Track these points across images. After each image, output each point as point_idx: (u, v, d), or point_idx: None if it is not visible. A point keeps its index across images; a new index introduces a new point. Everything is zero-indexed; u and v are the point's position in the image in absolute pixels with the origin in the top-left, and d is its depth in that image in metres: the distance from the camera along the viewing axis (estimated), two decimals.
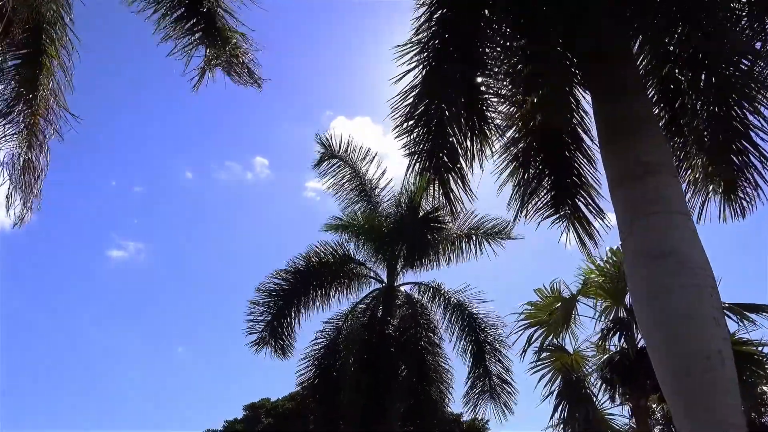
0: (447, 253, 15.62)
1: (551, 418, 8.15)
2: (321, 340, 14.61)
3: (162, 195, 47.99)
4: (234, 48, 8.92)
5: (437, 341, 14.41)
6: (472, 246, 15.46)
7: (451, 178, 8.65)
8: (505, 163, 8.61)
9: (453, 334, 14.59)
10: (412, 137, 8.67)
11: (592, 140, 8.16)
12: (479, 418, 26.88)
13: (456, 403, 14.56)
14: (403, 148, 8.58)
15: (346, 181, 15.34)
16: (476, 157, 7.48)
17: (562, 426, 7.93)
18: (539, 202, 8.27)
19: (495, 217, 15.21)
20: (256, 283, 14.83)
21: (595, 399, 8.05)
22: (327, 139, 15.04)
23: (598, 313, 9.00)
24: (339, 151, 15.08)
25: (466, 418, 26.35)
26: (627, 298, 8.61)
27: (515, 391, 14.19)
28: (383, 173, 15.28)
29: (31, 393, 39.55)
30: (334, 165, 15.28)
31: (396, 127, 8.52)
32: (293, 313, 14.55)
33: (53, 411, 39.50)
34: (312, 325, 14.94)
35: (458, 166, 8.59)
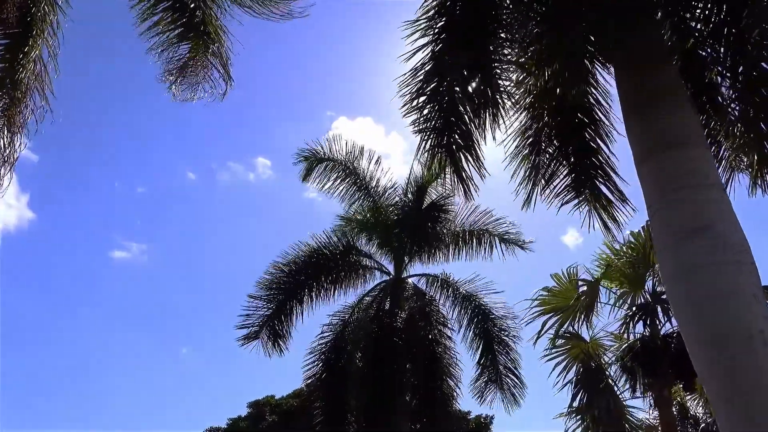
0: (455, 247, 15.26)
1: (569, 406, 7.81)
2: (327, 334, 14.27)
3: (165, 196, 47.80)
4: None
5: (447, 333, 14.08)
6: (483, 249, 15.10)
7: (463, 156, 8.34)
8: (520, 147, 8.33)
9: (461, 325, 14.30)
10: (422, 114, 8.36)
11: (610, 122, 7.88)
12: (484, 415, 26.71)
13: (464, 399, 14.22)
14: (412, 125, 8.30)
15: (341, 181, 14.96)
16: (490, 129, 7.16)
17: (580, 415, 7.57)
18: (558, 187, 7.97)
19: (505, 220, 14.94)
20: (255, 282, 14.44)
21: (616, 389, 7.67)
22: (309, 148, 14.61)
23: (617, 300, 8.63)
24: (325, 153, 14.70)
25: (474, 414, 26.14)
26: (648, 284, 8.26)
27: (523, 385, 13.93)
28: (378, 163, 14.94)
29: (35, 394, 39.40)
30: (324, 169, 14.89)
31: (405, 104, 8.21)
32: (294, 308, 14.20)
33: (58, 412, 39.34)
34: (318, 319, 14.62)
35: (471, 143, 8.28)
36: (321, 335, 14.24)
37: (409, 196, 14.92)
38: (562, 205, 7.94)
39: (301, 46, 45.14)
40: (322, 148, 14.61)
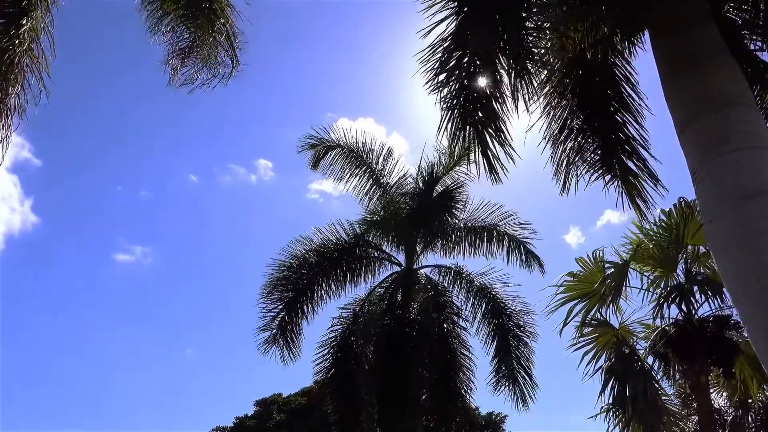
0: (467, 241, 14.78)
1: (600, 395, 7.36)
2: (337, 327, 13.83)
3: (168, 199, 47.69)
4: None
5: (462, 324, 13.63)
6: (494, 246, 14.64)
7: (489, 134, 7.94)
8: (547, 125, 7.94)
9: (475, 318, 13.85)
10: (444, 93, 7.97)
11: (639, 97, 7.51)
12: (496, 413, 26.27)
13: (476, 395, 13.74)
14: (437, 104, 7.91)
15: (351, 170, 14.51)
16: (517, 98, 6.75)
17: (614, 405, 7.12)
18: (585, 164, 7.56)
19: (519, 219, 14.59)
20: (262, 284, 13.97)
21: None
22: (315, 136, 14.15)
23: (650, 285, 8.18)
24: (334, 141, 14.26)
25: (484, 411, 25.68)
26: (680, 267, 7.82)
27: (535, 385, 13.51)
28: (389, 153, 14.51)
29: (41, 396, 39.21)
30: (333, 157, 14.46)
31: (428, 82, 7.83)
32: (305, 306, 13.72)
33: (63, 414, 39.13)
34: (328, 312, 14.18)
35: (497, 120, 7.88)
36: (331, 328, 13.83)
37: (421, 185, 14.48)
38: (589, 183, 7.55)
39: (302, 47, 44.89)
40: (330, 134, 14.19)
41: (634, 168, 7.28)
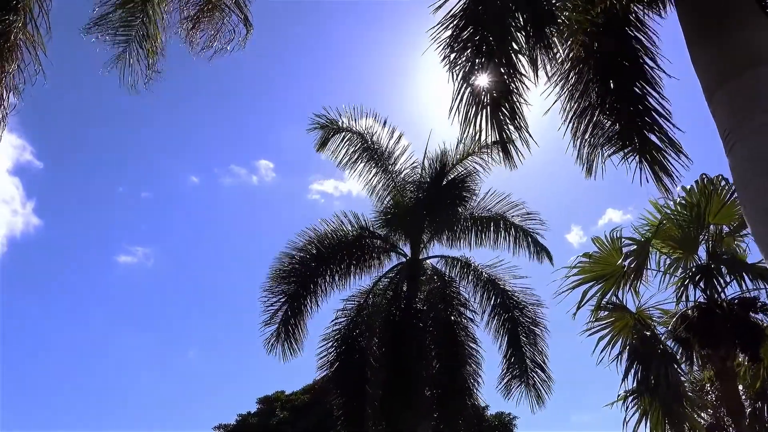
0: (475, 232, 14.41)
1: (622, 381, 7.00)
2: (341, 320, 13.46)
3: (169, 200, 47.60)
4: None
5: (469, 315, 13.25)
6: (503, 238, 14.27)
7: (503, 115, 7.62)
8: (563, 105, 7.63)
9: (484, 311, 13.48)
10: (456, 71, 7.66)
11: (660, 68, 7.17)
12: (506, 413, 25.80)
13: (485, 394, 13.29)
14: (449, 82, 7.61)
15: (358, 155, 14.18)
16: (536, 68, 6.44)
17: (638, 389, 6.76)
18: (603, 138, 7.22)
19: (529, 212, 14.24)
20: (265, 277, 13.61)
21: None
22: (326, 115, 13.75)
23: (669, 267, 7.82)
24: (343, 123, 13.90)
25: (493, 410, 25.23)
26: (701, 248, 7.46)
27: (551, 380, 13.14)
28: (398, 139, 14.16)
29: (43, 398, 39.05)
30: (341, 140, 14.13)
31: (444, 58, 7.53)
32: (308, 300, 13.36)
33: (65, 415, 38.95)
34: (331, 304, 13.82)
35: (511, 98, 7.56)
36: (335, 321, 13.45)
37: (428, 174, 14.12)
38: (608, 157, 7.21)
39: (302, 48, 44.63)
40: (340, 116, 13.80)
41: (656, 141, 6.94)
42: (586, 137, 7.55)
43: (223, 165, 48.02)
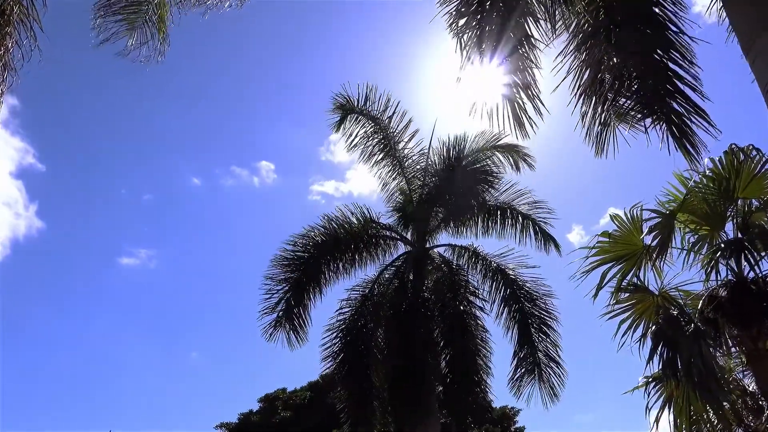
0: (484, 223, 14.00)
1: (647, 364, 6.56)
2: (346, 310, 13.06)
3: (171, 202, 47.56)
4: None
5: (479, 304, 12.81)
6: (513, 229, 13.87)
7: (515, 83, 7.25)
8: (572, 74, 7.24)
9: (493, 301, 13.04)
10: (465, 39, 7.32)
11: (683, 32, 6.78)
12: (509, 407, 25.36)
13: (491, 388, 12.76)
14: (456, 51, 7.28)
15: (369, 138, 13.86)
16: (554, 22, 6.07)
17: (665, 372, 6.32)
18: (624, 106, 6.81)
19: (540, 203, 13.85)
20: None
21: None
22: (344, 95, 13.52)
23: (689, 244, 7.39)
24: (359, 104, 13.62)
25: (496, 405, 24.78)
26: (729, 225, 7.03)
27: (565, 373, 12.69)
28: (408, 125, 13.79)
29: (47, 399, 38.92)
30: (355, 122, 13.83)
31: (452, 23, 7.19)
32: (311, 286, 12.96)
33: (68, 416, 38.80)
34: (335, 294, 13.41)
35: (524, 66, 7.20)
36: (339, 311, 13.06)
37: (438, 161, 13.73)
38: (630, 127, 6.80)
39: (303, 49, 44.48)
40: (359, 92, 13.54)
41: (680, 110, 6.51)
42: (599, 112, 7.18)
43: (224, 166, 47.90)
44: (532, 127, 6.95)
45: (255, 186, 46.87)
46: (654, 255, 6.74)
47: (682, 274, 7.49)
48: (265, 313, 12.56)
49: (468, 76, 7.39)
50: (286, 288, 12.76)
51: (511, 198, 14.08)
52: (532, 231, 13.87)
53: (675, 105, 6.61)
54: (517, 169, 13.80)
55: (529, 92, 7.45)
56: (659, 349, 6.28)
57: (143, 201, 45.35)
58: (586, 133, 7.23)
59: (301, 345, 12.75)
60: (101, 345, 42.32)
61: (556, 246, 13.85)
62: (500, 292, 13.12)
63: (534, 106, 7.36)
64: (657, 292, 7.43)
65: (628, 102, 6.85)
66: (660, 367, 6.30)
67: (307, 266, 12.93)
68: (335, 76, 46.32)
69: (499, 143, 13.58)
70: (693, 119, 6.41)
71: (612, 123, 7.21)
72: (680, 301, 7.31)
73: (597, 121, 7.23)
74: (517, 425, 25.22)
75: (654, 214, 6.78)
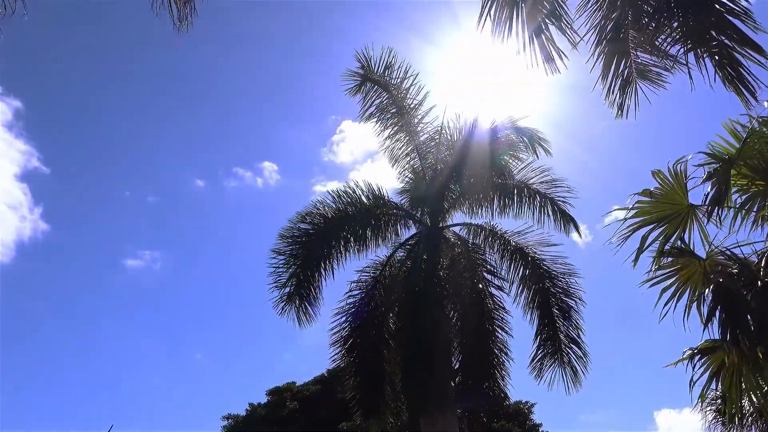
0: (500, 202, 13.19)
1: (704, 328, 5.80)
2: (356, 292, 12.33)
3: (175, 204, 47.27)
4: None
5: (498, 284, 12.05)
6: (532, 216, 13.07)
7: (540, 11, 6.48)
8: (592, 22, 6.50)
9: (511, 282, 12.26)
10: None
11: None
12: (524, 401, 24.60)
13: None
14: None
15: (383, 110, 13.19)
16: None
17: (721, 342, 5.56)
18: (666, 40, 6.04)
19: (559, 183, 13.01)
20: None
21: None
22: (365, 55, 12.91)
23: (740, 203, 6.62)
24: (378, 72, 12.95)
25: (519, 398, 24.04)
26: None
27: (586, 355, 11.91)
28: (424, 100, 13.06)
29: (51, 400, 38.67)
30: (371, 91, 13.16)
31: None
32: (323, 265, 12.25)
33: (71, 416, 38.53)
34: (345, 275, 12.66)
35: None
36: (349, 293, 12.32)
37: (454, 138, 12.98)
38: (673, 67, 6.04)
39: (303, 49, 43.96)
40: (381, 58, 12.95)
41: (729, 43, 5.73)
42: (623, 64, 6.46)
43: (228, 168, 47.54)
44: (562, 59, 6.18)
45: (258, 187, 46.43)
46: (706, 210, 5.96)
47: (730, 237, 6.70)
48: (276, 287, 11.88)
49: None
50: (298, 263, 12.06)
51: (528, 176, 13.28)
52: (550, 210, 12.99)
53: (726, 41, 5.84)
54: (535, 153, 12.95)
55: (563, 23, 6.68)
56: (717, 313, 5.50)
57: (148, 203, 45.02)
58: (606, 92, 6.52)
59: (310, 323, 12.04)
60: (106, 346, 42.02)
61: (576, 227, 13.02)
62: (519, 272, 12.34)
63: (567, 37, 6.60)
64: (704, 257, 6.65)
65: (669, 39, 6.06)
66: (720, 331, 5.52)
67: (316, 240, 12.21)
68: (338, 76, 45.65)
69: (516, 124, 12.79)
70: (747, 52, 5.64)
71: (634, 80, 6.53)
72: (742, 257, 6.48)
73: (618, 79, 6.53)
74: (533, 422, 24.44)
75: (712, 160, 5.97)
